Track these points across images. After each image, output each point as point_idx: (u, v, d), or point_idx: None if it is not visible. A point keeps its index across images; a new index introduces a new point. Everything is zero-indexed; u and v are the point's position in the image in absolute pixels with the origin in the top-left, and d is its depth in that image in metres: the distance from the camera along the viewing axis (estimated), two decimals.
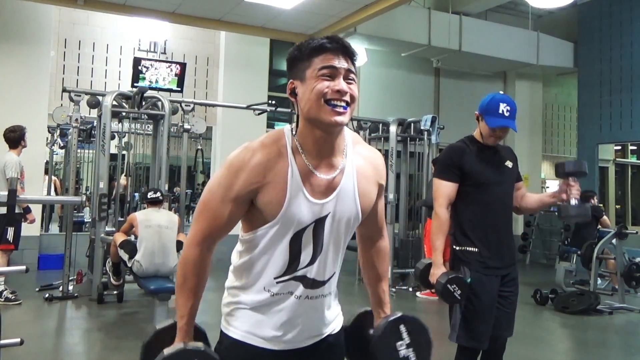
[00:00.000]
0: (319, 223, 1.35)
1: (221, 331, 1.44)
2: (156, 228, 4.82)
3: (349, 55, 1.33)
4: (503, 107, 2.53)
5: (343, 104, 1.30)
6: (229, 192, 1.32)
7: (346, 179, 1.38)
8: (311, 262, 1.37)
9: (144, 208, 5.34)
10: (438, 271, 2.53)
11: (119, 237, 4.96)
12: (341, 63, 1.31)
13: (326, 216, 1.36)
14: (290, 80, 1.35)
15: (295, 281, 1.38)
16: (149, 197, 5.08)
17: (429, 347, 1.51)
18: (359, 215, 1.42)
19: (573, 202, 2.49)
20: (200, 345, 1.35)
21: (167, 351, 1.31)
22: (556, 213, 2.59)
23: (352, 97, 1.31)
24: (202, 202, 1.38)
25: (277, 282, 1.37)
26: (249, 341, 1.39)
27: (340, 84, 1.29)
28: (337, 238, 1.40)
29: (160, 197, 5.12)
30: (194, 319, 1.41)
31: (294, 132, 1.37)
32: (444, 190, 2.59)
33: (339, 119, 1.29)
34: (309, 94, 1.29)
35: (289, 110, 7.58)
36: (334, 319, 1.51)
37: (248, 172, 1.31)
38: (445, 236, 2.59)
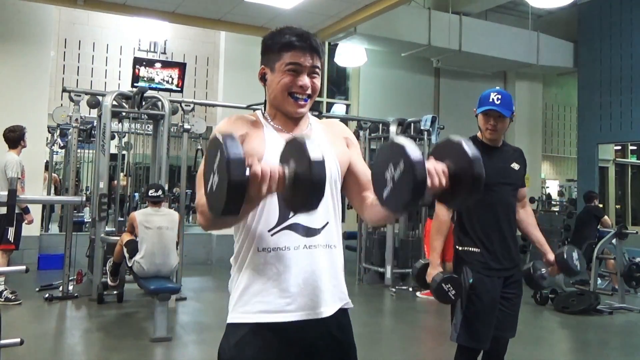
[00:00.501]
0: None
1: (230, 324, 1.44)
2: (156, 230, 4.79)
3: (316, 52, 1.46)
4: (493, 96, 2.56)
5: (305, 97, 1.46)
6: None
7: (315, 134, 1.54)
8: None
9: (145, 207, 5.32)
10: (434, 271, 2.54)
11: (125, 237, 4.93)
12: (307, 61, 1.45)
13: None
14: (262, 66, 1.51)
15: (289, 230, 1.41)
16: (149, 194, 5.00)
17: None
18: (337, 163, 1.51)
19: (543, 271, 2.67)
20: None
21: None
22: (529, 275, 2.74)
23: (314, 90, 1.48)
24: (199, 173, 1.42)
25: (272, 235, 1.41)
26: (264, 320, 1.39)
27: (304, 79, 1.45)
28: None
29: (162, 196, 5.04)
30: None
31: (263, 111, 1.55)
32: None
33: (299, 110, 1.48)
34: (276, 85, 1.46)
35: None
36: (343, 288, 1.51)
37: (232, 124, 1.47)
38: (444, 237, 2.60)
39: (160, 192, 5.00)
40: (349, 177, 1.58)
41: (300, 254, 1.41)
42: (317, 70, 1.47)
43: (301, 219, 1.42)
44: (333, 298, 1.47)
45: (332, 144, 1.55)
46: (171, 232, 4.88)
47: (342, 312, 1.50)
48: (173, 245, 4.88)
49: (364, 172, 1.61)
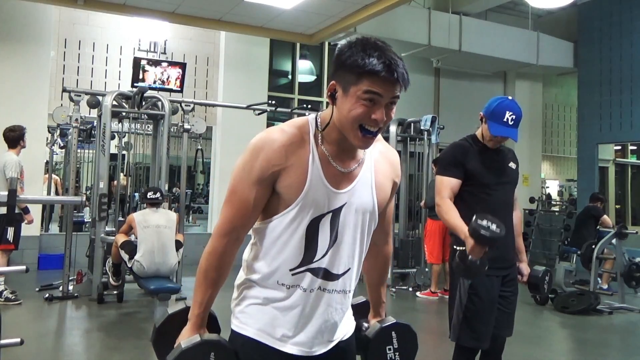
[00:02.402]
0: (336, 213, 1.36)
1: (232, 330, 1.42)
2: (154, 228, 4.81)
3: (402, 83, 1.28)
4: (508, 116, 2.51)
5: (375, 130, 1.30)
6: (253, 174, 1.33)
7: (364, 172, 1.40)
8: (325, 253, 1.37)
9: (144, 208, 5.35)
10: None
11: (120, 238, 4.96)
12: (387, 92, 1.27)
13: (342, 206, 1.36)
14: (333, 82, 1.32)
15: (309, 273, 1.36)
16: (148, 197, 5.08)
17: (414, 351, 1.63)
18: (375, 209, 1.42)
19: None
20: (215, 336, 1.36)
21: (184, 344, 1.31)
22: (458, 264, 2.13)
23: (387, 122, 1.31)
24: (229, 190, 1.39)
25: (293, 275, 1.36)
26: (262, 340, 1.37)
27: (379, 112, 1.27)
28: (353, 230, 1.39)
29: (160, 198, 5.09)
30: (210, 308, 1.42)
31: (318, 123, 1.37)
32: (447, 183, 2.54)
33: (365, 145, 1.33)
34: (346, 112, 1.28)
35: (289, 110, 7.59)
36: (347, 323, 1.50)
37: (270, 153, 1.31)
38: (457, 212, 2.45)
39: (158, 195, 5.08)
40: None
41: (314, 296, 1.38)
42: (396, 99, 1.30)
43: (324, 263, 1.37)
44: (333, 337, 1.44)
45: (379, 183, 1.43)
46: (169, 230, 4.89)
47: (342, 341, 1.47)
48: (172, 244, 4.89)
49: (386, 221, 1.56)
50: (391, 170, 1.48)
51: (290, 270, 1.36)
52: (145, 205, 5.23)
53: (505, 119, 2.51)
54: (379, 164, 1.44)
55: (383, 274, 1.67)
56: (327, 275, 1.38)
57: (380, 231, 1.56)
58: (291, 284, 1.36)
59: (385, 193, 1.46)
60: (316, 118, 1.38)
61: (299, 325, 1.38)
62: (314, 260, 1.36)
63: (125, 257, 4.82)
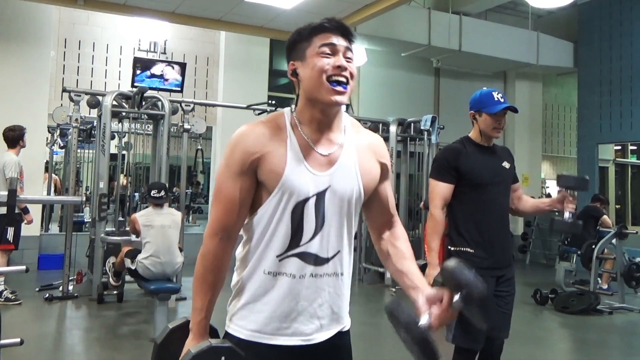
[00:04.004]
0: (320, 196, 1.37)
1: (226, 332, 1.42)
2: (159, 228, 4.72)
3: (347, 34, 1.40)
4: (497, 95, 2.59)
5: (343, 79, 1.35)
6: (234, 167, 1.35)
7: (345, 154, 1.41)
8: (313, 237, 1.37)
9: (145, 207, 5.29)
10: (433, 272, 2.49)
11: (126, 249, 4.91)
12: (340, 41, 1.38)
13: (326, 189, 1.37)
14: (291, 62, 1.41)
15: (297, 258, 1.36)
16: (152, 195, 4.88)
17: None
18: (361, 191, 1.42)
19: (567, 215, 2.53)
20: (224, 341, 1.35)
21: (194, 349, 1.30)
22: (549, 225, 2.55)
23: (352, 74, 1.37)
24: (214, 190, 1.42)
25: (280, 260, 1.36)
26: (255, 339, 1.37)
27: (340, 60, 1.36)
28: (339, 214, 1.40)
29: (164, 197, 4.94)
30: (211, 314, 1.40)
31: (292, 110, 1.42)
32: (440, 191, 2.59)
33: (338, 98, 1.35)
34: (310, 71, 1.35)
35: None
36: (344, 314, 1.48)
37: (248, 142, 1.35)
38: (440, 237, 2.58)
39: (162, 193, 4.90)
40: (372, 205, 1.53)
41: (305, 282, 1.37)
42: (351, 54, 1.39)
43: (312, 248, 1.36)
44: (330, 325, 1.43)
45: (364, 166, 1.44)
46: (174, 231, 4.80)
47: (339, 335, 1.46)
48: (176, 245, 4.83)
49: (389, 204, 1.56)
50: (375, 152, 1.49)
51: (277, 256, 1.36)
52: (148, 204, 5.11)
53: (496, 99, 2.58)
54: (361, 147, 1.46)
55: (407, 249, 1.55)
56: (316, 259, 1.38)
57: (384, 215, 1.55)
58: (277, 271, 1.36)
59: (372, 176, 1.47)
60: (290, 107, 1.43)
61: (292, 315, 1.37)
62: (300, 244, 1.36)
63: (128, 261, 4.77)
